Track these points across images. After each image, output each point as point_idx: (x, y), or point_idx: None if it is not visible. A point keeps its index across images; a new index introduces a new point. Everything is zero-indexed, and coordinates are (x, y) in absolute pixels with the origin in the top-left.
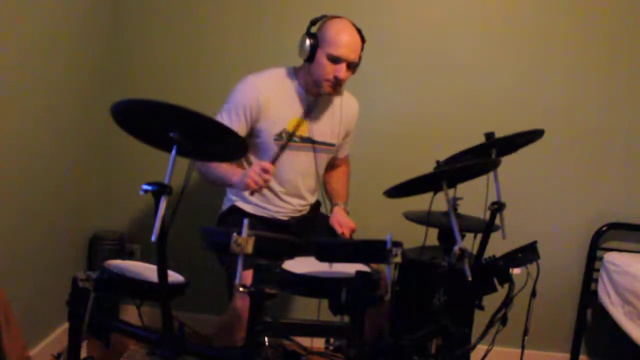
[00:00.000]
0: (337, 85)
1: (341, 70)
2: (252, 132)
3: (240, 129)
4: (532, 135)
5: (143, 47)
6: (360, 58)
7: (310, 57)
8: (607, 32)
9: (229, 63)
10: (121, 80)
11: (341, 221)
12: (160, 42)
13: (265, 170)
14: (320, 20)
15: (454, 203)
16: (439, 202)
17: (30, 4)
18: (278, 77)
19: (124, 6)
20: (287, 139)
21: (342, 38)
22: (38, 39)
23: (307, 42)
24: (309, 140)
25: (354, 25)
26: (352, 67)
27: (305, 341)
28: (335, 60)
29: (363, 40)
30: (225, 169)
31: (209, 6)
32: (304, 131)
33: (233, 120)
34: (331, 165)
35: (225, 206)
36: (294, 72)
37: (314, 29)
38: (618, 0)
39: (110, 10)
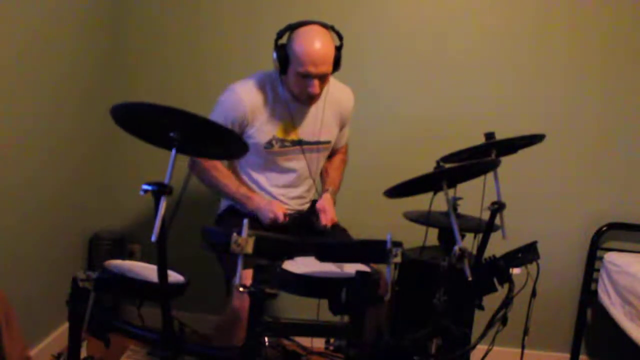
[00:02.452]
0: (313, 98)
1: (312, 85)
2: None
3: None
4: (533, 139)
5: (144, 48)
6: (338, 58)
7: (283, 70)
8: (606, 31)
9: (230, 62)
10: (122, 80)
11: (326, 209)
12: (161, 41)
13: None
14: (285, 32)
15: (454, 203)
16: (439, 202)
17: (30, 2)
18: (263, 84)
19: (124, 5)
20: None
21: (307, 54)
22: (38, 38)
23: (275, 56)
24: (299, 143)
25: (323, 26)
26: (325, 77)
27: (305, 341)
28: (304, 76)
29: (340, 37)
30: (230, 183)
31: (210, 5)
32: (294, 135)
33: None
34: (330, 154)
35: (222, 206)
36: (280, 76)
37: (283, 40)
38: (617, 2)
39: (110, 10)
